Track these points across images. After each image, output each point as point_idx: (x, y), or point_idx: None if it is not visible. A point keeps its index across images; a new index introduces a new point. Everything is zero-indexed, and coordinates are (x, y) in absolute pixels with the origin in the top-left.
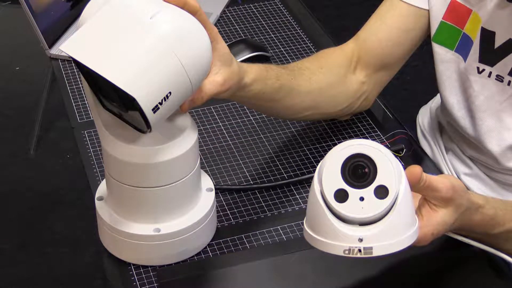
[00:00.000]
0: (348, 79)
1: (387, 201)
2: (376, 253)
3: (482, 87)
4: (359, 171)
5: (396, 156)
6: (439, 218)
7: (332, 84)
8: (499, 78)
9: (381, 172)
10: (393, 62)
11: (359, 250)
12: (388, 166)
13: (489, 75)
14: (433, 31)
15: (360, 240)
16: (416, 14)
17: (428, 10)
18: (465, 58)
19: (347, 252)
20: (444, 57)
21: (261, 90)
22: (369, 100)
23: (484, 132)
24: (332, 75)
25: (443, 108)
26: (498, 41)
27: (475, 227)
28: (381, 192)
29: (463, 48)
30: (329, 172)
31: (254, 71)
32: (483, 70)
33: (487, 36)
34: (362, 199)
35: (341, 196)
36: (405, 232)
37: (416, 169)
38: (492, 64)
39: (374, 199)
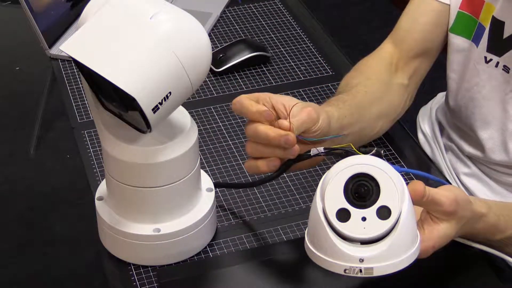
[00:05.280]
0: (394, 83)
1: (389, 222)
2: (376, 273)
3: (489, 76)
4: (361, 191)
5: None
6: (441, 232)
7: (384, 91)
8: (506, 69)
9: (384, 192)
10: (429, 57)
11: (360, 270)
12: (391, 186)
13: (496, 65)
14: (451, 22)
15: (361, 260)
16: (441, 10)
17: (449, 5)
18: (477, 47)
19: (347, 271)
20: (460, 47)
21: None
22: (413, 97)
23: (488, 121)
24: (381, 84)
25: (447, 98)
26: (507, 31)
27: (477, 234)
28: (384, 212)
29: (478, 37)
30: (331, 190)
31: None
32: (491, 59)
33: (497, 25)
34: (364, 219)
35: (343, 215)
36: (407, 251)
37: (419, 185)
38: (500, 54)
39: (376, 219)
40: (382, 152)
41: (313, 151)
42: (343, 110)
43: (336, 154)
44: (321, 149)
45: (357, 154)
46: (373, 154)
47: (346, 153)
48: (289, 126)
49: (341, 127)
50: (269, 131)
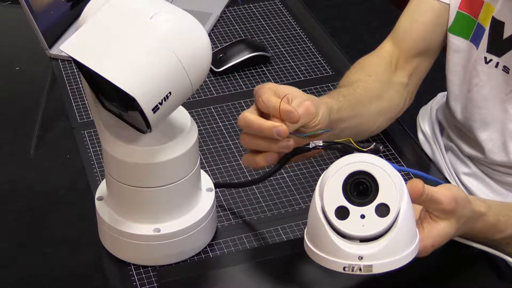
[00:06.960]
0: (394, 82)
1: (388, 219)
2: (375, 270)
3: (489, 77)
4: (360, 189)
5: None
6: (440, 230)
7: (384, 89)
8: (506, 69)
9: (383, 190)
10: (429, 56)
11: (359, 268)
12: (390, 184)
13: (496, 66)
14: (450, 22)
15: (360, 258)
16: (441, 9)
17: (449, 4)
18: (477, 48)
19: (346, 269)
20: (459, 47)
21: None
22: (412, 97)
23: (487, 122)
24: (381, 82)
25: (447, 99)
26: (507, 32)
27: (477, 233)
28: (382, 210)
29: (477, 38)
30: (330, 188)
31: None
32: (491, 60)
33: (497, 26)
34: (363, 216)
35: (342, 213)
36: (406, 249)
37: (417, 183)
38: (499, 54)
39: (375, 217)
40: (381, 147)
41: (312, 144)
42: (343, 103)
43: (335, 148)
44: (319, 142)
45: (356, 148)
46: (371, 150)
47: (345, 147)
48: (280, 117)
49: (340, 119)
50: (262, 122)
